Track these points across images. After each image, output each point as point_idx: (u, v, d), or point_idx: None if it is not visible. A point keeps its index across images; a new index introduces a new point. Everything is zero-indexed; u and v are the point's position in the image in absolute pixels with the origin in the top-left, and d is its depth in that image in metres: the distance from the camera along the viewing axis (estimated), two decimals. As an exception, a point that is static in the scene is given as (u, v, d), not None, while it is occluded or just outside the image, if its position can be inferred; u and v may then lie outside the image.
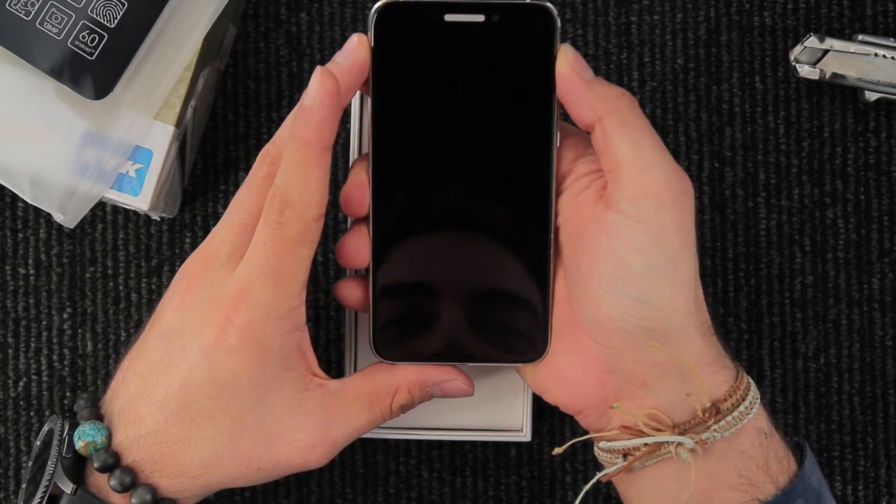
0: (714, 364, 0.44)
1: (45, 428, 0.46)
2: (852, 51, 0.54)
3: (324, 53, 0.55)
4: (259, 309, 0.43)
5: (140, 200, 0.50)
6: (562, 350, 0.45)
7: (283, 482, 0.55)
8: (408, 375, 0.46)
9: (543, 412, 0.54)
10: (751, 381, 0.45)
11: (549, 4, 0.43)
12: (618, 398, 0.44)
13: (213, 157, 0.56)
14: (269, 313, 0.43)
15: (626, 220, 0.43)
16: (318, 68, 0.42)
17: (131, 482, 0.43)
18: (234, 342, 0.43)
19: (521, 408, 0.50)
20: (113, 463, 0.44)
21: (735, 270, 0.55)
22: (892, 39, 0.54)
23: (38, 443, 0.46)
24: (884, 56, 0.54)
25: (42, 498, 0.43)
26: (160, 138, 0.49)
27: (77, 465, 0.44)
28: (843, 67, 0.54)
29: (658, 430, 0.43)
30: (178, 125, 0.50)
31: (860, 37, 0.54)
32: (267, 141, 0.55)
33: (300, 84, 0.55)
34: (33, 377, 0.55)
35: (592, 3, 0.55)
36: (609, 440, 0.44)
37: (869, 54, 0.54)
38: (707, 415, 0.43)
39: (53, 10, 0.48)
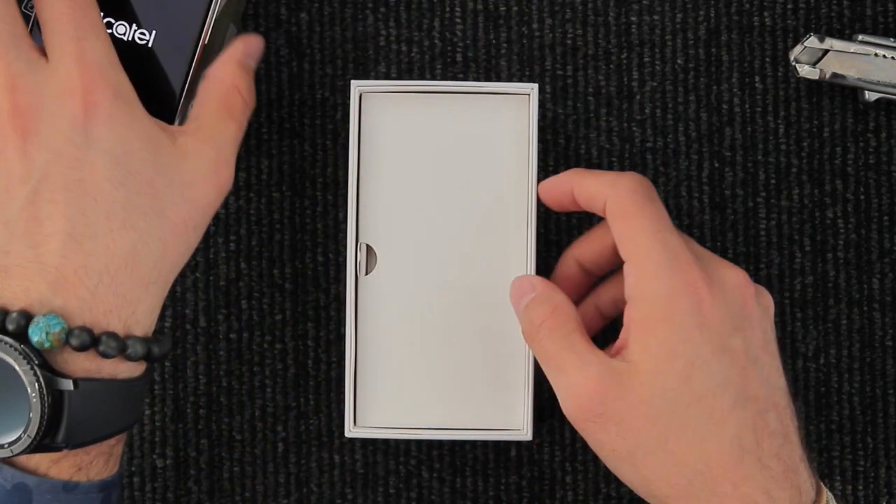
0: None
1: None
2: (852, 51, 0.54)
3: (324, 53, 0.55)
4: (103, 63, 0.43)
5: None
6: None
7: (284, 482, 0.55)
8: (225, 67, 0.47)
9: (543, 413, 0.54)
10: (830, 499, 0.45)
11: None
12: None
13: (214, 157, 0.56)
14: (111, 62, 0.43)
15: None
16: None
17: (118, 341, 0.41)
18: (104, 107, 0.42)
19: (522, 406, 0.50)
20: (91, 331, 0.41)
21: (735, 270, 0.55)
22: (892, 39, 0.54)
23: None
24: (884, 56, 0.54)
25: (39, 428, 0.40)
26: None
27: (46, 368, 0.41)
28: (843, 67, 0.54)
29: None
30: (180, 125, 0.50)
31: (860, 37, 0.54)
32: (267, 141, 0.55)
33: (300, 84, 0.55)
34: (33, 377, 0.55)
35: (592, 3, 0.55)
36: None
37: (869, 54, 0.54)
38: None
39: None
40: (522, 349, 0.49)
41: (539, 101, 0.51)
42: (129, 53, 0.46)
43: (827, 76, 0.54)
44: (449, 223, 0.50)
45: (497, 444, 0.55)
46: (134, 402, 0.43)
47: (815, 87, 0.56)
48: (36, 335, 0.40)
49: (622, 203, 0.45)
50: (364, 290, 0.50)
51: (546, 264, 0.54)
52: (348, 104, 0.55)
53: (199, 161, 0.45)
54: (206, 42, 0.47)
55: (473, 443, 0.55)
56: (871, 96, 0.54)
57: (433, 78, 0.55)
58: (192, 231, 0.44)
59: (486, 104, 0.50)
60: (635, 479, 0.44)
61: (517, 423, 0.50)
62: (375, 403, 0.50)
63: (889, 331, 0.55)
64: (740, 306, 0.44)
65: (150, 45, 0.47)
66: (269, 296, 0.55)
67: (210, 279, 0.55)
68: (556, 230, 0.55)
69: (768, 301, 0.46)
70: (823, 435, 0.55)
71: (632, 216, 0.45)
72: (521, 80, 0.55)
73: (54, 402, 0.40)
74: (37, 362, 0.40)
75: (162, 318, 0.55)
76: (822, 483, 0.45)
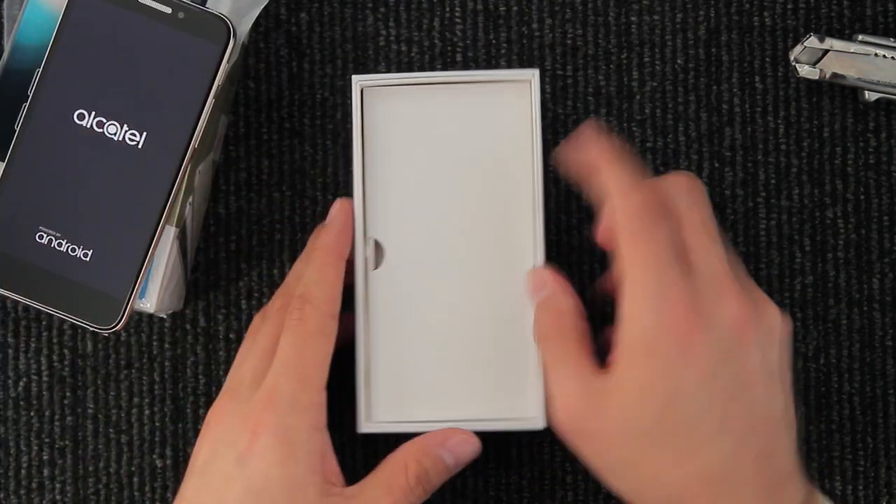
0: None
1: None
2: (852, 51, 0.54)
3: (324, 53, 0.55)
4: (285, 403, 0.45)
5: (146, 302, 0.50)
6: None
7: (283, 482, 0.55)
8: (410, 447, 0.48)
9: (543, 412, 0.54)
10: None
11: (227, 19, 0.48)
12: None
13: (213, 157, 0.56)
14: (294, 406, 0.45)
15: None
16: (339, 200, 0.50)
17: None
18: (265, 442, 0.45)
19: (534, 395, 0.50)
20: None
21: (735, 270, 0.55)
22: (892, 39, 0.54)
23: None
24: (884, 56, 0.54)
25: None
26: (162, 239, 0.49)
27: None
28: (843, 67, 0.54)
29: None
30: (178, 224, 0.50)
31: (860, 37, 0.54)
32: (267, 140, 0.55)
33: (300, 84, 0.55)
34: (33, 377, 0.55)
35: (592, 3, 0.56)
36: None
37: (869, 54, 0.54)
38: None
39: None
40: (533, 339, 0.49)
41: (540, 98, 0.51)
42: (118, 153, 0.47)
43: (827, 76, 0.54)
44: (456, 214, 0.50)
45: (497, 443, 0.55)
46: None
47: (815, 87, 0.56)
48: None
49: (631, 222, 0.44)
50: (373, 285, 0.50)
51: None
52: (348, 104, 0.55)
53: None
54: (196, 146, 0.48)
55: (473, 443, 0.55)
56: (871, 96, 0.54)
57: (433, 78, 0.55)
58: None
59: (488, 93, 0.50)
60: (616, 489, 0.46)
61: (530, 412, 0.50)
62: (388, 397, 0.50)
63: (889, 331, 0.55)
64: (732, 341, 0.44)
65: (140, 145, 0.47)
66: (269, 296, 0.55)
67: (210, 279, 0.55)
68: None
69: (776, 331, 0.45)
70: (823, 435, 0.55)
71: (636, 240, 0.44)
72: (521, 80, 0.55)
73: None
74: None
75: (162, 319, 0.55)
76: (815, 495, 0.45)
